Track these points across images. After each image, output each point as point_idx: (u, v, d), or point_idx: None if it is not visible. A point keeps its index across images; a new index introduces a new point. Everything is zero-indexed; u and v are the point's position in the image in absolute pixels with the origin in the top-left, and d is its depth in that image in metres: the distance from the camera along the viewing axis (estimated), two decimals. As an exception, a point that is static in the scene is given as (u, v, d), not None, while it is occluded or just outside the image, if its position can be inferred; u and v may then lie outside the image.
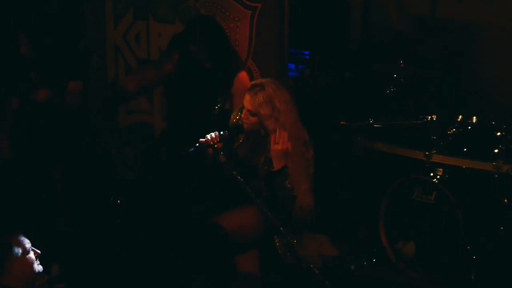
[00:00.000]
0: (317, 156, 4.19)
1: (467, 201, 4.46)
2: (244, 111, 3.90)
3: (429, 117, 4.69)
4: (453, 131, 4.65)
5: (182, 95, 4.61)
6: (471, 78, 5.15)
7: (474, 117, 4.59)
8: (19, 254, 2.94)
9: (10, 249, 2.93)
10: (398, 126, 4.83)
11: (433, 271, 4.51)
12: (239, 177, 3.68)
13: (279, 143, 3.74)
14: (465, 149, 4.58)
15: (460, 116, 4.65)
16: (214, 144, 3.83)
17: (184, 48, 4.53)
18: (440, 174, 4.59)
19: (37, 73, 4.73)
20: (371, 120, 4.88)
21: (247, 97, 3.84)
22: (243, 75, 4.61)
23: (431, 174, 4.62)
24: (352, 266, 4.72)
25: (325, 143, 5.06)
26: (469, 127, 4.62)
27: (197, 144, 3.84)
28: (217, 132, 3.85)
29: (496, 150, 4.43)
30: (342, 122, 4.91)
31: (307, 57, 5.55)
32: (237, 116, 4.03)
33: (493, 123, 4.53)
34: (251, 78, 4.84)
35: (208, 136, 3.83)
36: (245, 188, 3.65)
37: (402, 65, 4.99)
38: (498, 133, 4.43)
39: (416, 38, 5.37)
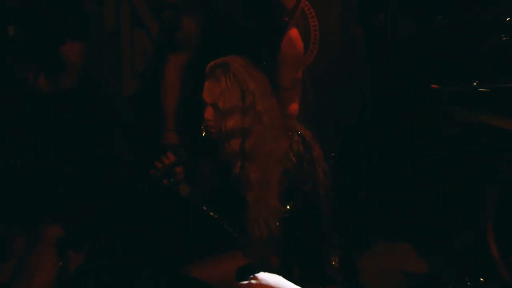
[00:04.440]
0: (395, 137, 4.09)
1: None
2: (206, 110, 3.26)
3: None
4: None
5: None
6: None
7: None
8: None
9: None
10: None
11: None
12: (211, 213, 3.27)
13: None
14: None
15: None
16: (169, 170, 3.35)
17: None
18: None
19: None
20: (474, 82, 4.18)
21: (206, 85, 3.25)
22: (293, 33, 3.94)
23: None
24: (451, 288, 4.13)
25: (407, 117, 4.58)
26: None
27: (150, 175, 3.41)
28: (170, 153, 3.35)
29: None
30: (433, 86, 4.25)
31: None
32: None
33: None
34: (307, 23, 4.33)
35: (159, 162, 3.35)
36: (224, 227, 3.29)
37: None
38: None
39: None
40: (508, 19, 4.26)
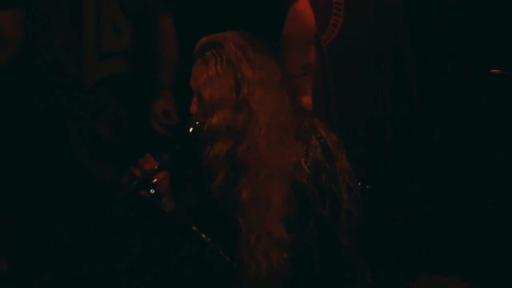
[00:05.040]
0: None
1: None
2: (194, 100, 2.90)
3: None
4: None
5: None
6: None
7: None
8: None
9: None
10: None
11: None
12: (203, 235, 2.96)
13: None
14: None
15: None
16: (148, 178, 2.89)
17: None
18: None
19: None
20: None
21: (193, 69, 2.92)
22: (301, 5, 3.50)
23: None
24: None
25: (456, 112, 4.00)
26: None
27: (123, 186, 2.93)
28: (150, 155, 2.91)
29: None
30: (492, 71, 3.80)
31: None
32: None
33: None
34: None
35: (136, 167, 2.92)
36: (220, 254, 2.94)
37: None
38: None
39: None
40: None
